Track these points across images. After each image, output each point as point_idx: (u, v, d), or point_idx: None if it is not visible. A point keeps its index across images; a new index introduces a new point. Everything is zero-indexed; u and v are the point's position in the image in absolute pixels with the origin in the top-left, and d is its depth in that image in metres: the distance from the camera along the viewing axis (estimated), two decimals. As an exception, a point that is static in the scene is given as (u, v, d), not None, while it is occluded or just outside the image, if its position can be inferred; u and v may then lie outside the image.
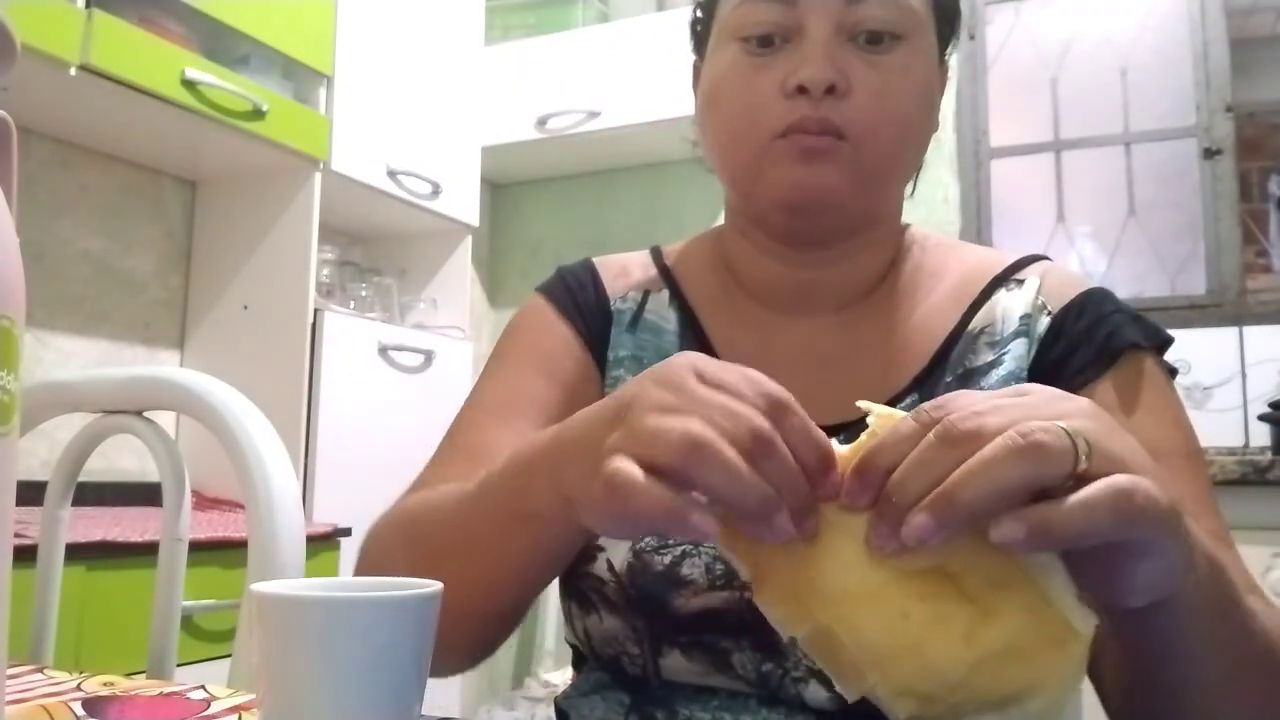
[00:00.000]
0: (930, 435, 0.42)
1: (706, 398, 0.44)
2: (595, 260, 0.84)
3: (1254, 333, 2.38)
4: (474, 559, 0.57)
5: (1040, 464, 0.40)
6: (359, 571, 0.67)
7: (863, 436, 0.45)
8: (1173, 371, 0.71)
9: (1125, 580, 0.42)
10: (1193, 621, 0.47)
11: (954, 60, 0.78)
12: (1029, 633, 0.41)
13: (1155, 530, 0.40)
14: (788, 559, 0.44)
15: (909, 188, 0.79)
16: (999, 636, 0.41)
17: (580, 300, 0.80)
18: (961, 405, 0.43)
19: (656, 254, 0.84)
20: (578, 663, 0.78)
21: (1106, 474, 0.40)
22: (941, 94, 0.76)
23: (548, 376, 0.76)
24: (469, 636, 0.62)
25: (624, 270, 0.82)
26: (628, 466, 0.42)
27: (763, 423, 0.43)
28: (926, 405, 0.44)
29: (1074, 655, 0.41)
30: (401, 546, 0.64)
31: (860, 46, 0.68)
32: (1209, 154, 2.55)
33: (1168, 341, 0.71)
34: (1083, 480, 0.40)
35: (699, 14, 0.78)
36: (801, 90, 0.66)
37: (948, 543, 0.41)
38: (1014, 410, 0.42)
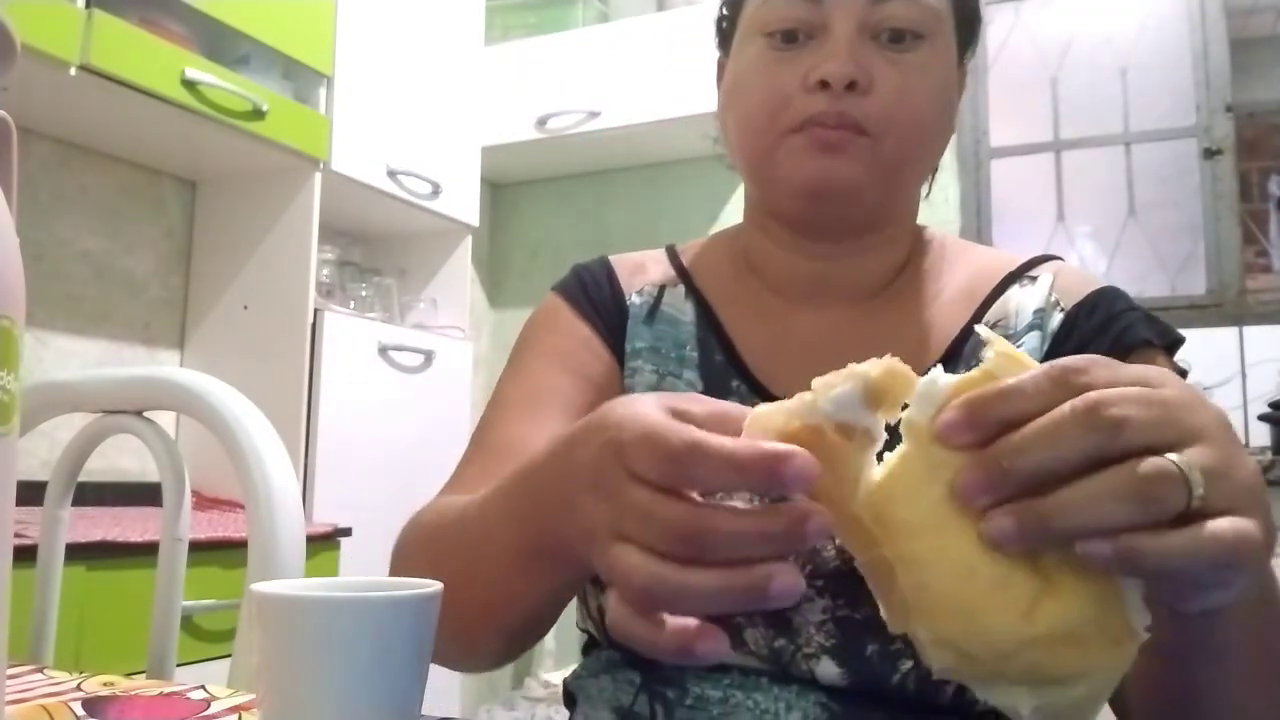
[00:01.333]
0: (1068, 407, 0.39)
1: (637, 511, 0.40)
2: (611, 258, 0.85)
3: (1254, 333, 2.38)
4: (496, 588, 0.55)
5: (1149, 512, 0.38)
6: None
7: (976, 372, 0.42)
8: (1183, 373, 0.71)
9: (1192, 594, 0.41)
10: (1239, 622, 0.47)
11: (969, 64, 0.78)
12: (1091, 624, 0.40)
13: (1243, 575, 0.39)
14: (850, 480, 0.42)
15: (925, 189, 0.79)
16: (1061, 619, 0.39)
17: (596, 297, 0.81)
18: (1105, 379, 0.40)
19: (671, 252, 0.85)
20: (587, 651, 0.78)
21: (1218, 511, 0.38)
22: (960, 97, 0.77)
23: (570, 371, 0.77)
24: (502, 645, 0.62)
25: (640, 267, 0.83)
26: (626, 615, 0.41)
27: (684, 519, 0.39)
28: (1062, 365, 0.41)
29: (1126, 654, 0.41)
30: (426, 570, 0.64)
31: (883, 45, 0.69)
32: (1209, 154, 2.55)
33: (1179, 341, 0.72)
34: (1189, 515, 0.38)
35: (725, 11, 0.80)
36: (823, 85, 0.68)
37: None
38: (1156, 410, 0.39)
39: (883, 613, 0.44)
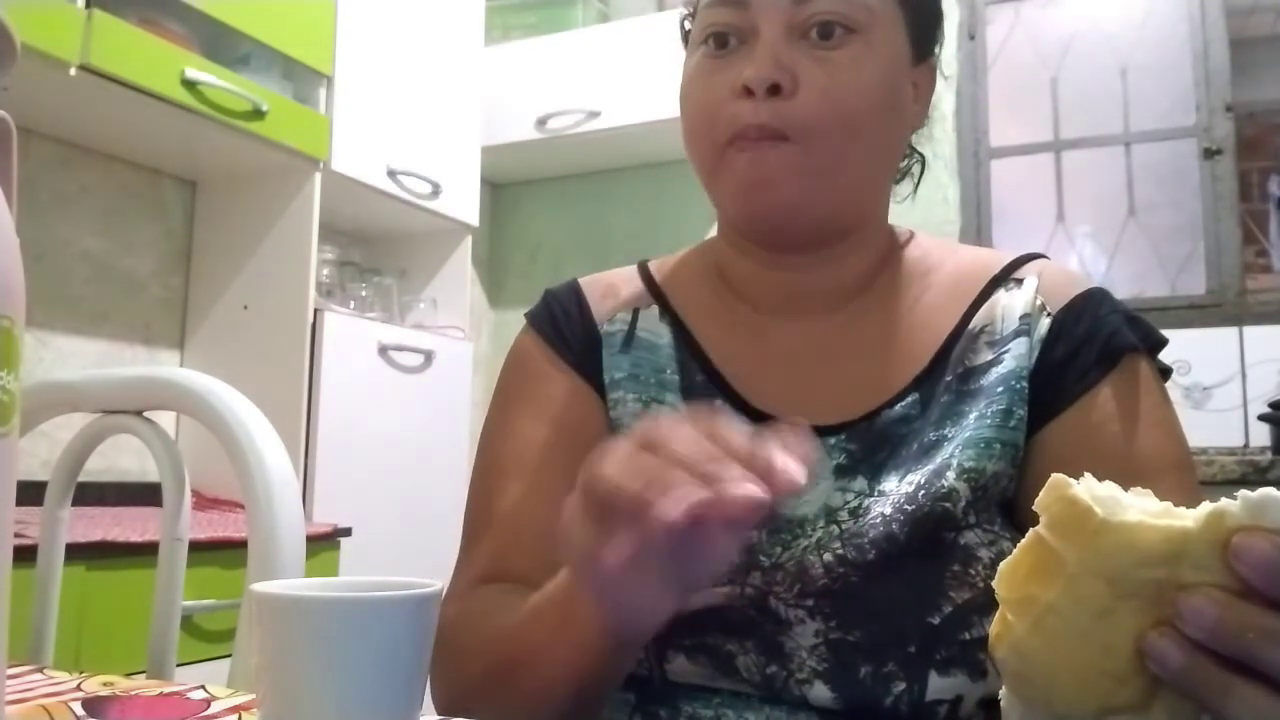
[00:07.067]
0: None
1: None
2: (581, 281, 0.84)
3: (1254, 333, 2.38)
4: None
5: None
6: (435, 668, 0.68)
7: (1235, 511, 0.38)
8: (1166, 371, 0.71)
9: None
10: None
11: (955, 59, 0.78)
12: None
13: None
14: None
15: (911, 189, 0.79)
16: None
17: (568, 332, 0.79)
18: None
19: (644, 269, 0.84)
20: None
21: None
22: (928, 90, 0.76)
23: (554, 422, 0.76)
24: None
25: (610, 290, 0.82)
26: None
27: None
28: None
29: None
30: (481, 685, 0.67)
31: (813, 43, 0.68)
32: (1209, 154, 2.55)
33: (1162, 343, 0.71)
34: None
35: (686, 14, 0.80)
36: (749, 91, 0.67)
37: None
38: None
39: (992, 628, 0.44)
